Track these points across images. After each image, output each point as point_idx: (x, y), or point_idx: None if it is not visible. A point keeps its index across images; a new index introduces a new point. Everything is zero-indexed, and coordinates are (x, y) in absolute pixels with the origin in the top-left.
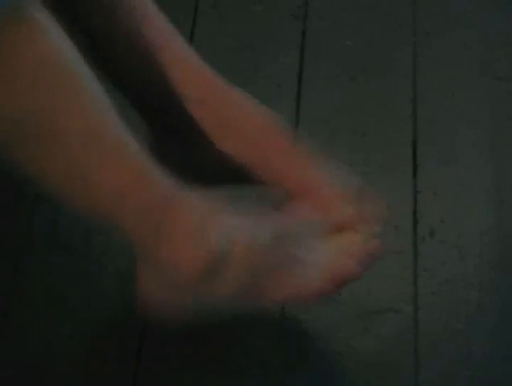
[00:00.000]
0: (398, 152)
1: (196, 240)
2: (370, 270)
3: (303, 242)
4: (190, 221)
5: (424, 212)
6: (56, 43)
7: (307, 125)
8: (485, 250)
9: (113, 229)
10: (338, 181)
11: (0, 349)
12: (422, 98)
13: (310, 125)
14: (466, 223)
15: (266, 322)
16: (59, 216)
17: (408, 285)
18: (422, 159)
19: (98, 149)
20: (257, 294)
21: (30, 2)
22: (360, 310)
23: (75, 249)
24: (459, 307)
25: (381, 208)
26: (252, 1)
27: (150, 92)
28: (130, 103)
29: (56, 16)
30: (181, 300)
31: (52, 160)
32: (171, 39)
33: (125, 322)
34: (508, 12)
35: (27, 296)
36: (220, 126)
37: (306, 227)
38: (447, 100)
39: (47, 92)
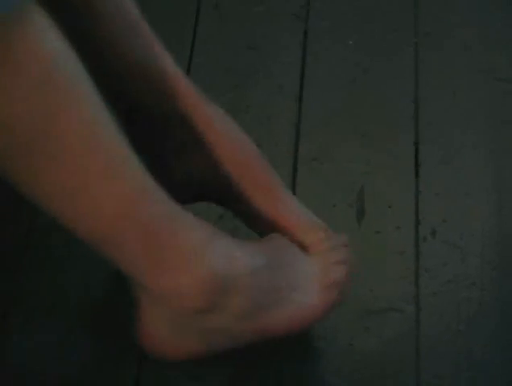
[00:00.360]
0: (399, 152)
1: (196, 265)
2: (372, 270)
3: (293, 266)
4: (189, 245)
5: (426, 212)
6: (61, 46)
7: (308, 126)
8: (487, 250)
9: (109, 259)
10: (308, 219)
11: (0, 350)
12: (423, 98)
13: (311, 126)
14: (467, 224)
15: None
16: None
17: (409, 285)
18: (423, 159)
19: (98, 160)
20: (259, 323)
21: (33, 6)
22: (361, 310)
23: (76, 248)
24: (460, 307)
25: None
26: (254, 1)
27: (132, 105)
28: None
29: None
30: (184, 337)
31: (48, 171)
32: (158, 51)
33: (129, 323)
34: (508, 12)
35: (27, 296)
36: (204, 147)
37: (292, 251)
38: (448, 101)
39: (52, 94)
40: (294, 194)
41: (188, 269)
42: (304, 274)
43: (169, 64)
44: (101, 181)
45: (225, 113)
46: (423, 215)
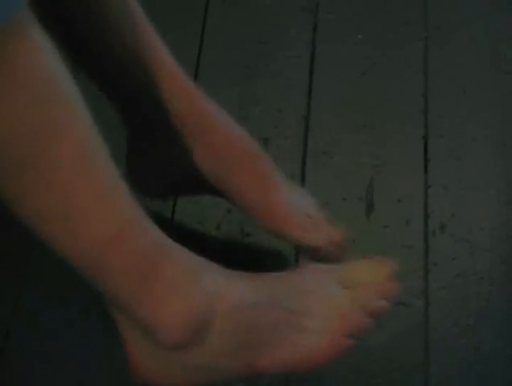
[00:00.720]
0: (409, 146)
1: (179, 297)
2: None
3: (298, 304)
4: (174, 276)
5: (435, 207)
6: (60, 68)
7: (317, 119)
8: (496, 245)
9: (95, 286)
10: (304, 208)
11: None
12: (433, 92)
13: (321, 119)
14: (477, 218)
15: None
16: None
17: (418, 280)
18: (433, 154)
19: (89, 184)
20: (247, 361)
21: (28, 18)
22: None
23: None
24: (469, 302)
25: (343, 240)
26: None
27: (133, 96)
28: (111, 103)
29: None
30: (169, 367)
31: (38, 191)
32: (159, 47)
33: None
34: None
35: (33, 296)
36: (200, 140)
37: (301, 289)
38: (458, 95)
39: (46, 115)
40: (303, 187)
41: (170, 303)
42: (308, 320)
43: (166, 58)
44: (88, 207)
45: (219, 108)
46: (432, 210)
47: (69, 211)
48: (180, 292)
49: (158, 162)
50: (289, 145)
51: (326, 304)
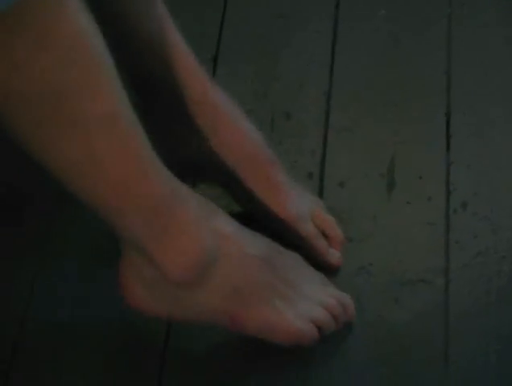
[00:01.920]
0: (431, 123)
1: (191, 237)
2: (402, 241)
3: (292, 277)
4: (188, 219)
5: (457, 184)
6: (87, 24)
7: (339, 95)
8: None
9: (109, 223)
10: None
11: None
12: (456, 70)
13: (343, 95)
14: (499, 196)
15: None
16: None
17: (439, 257)
18: (455, 131)
19: (113, 135)
20: (233, 314)
21: None
22: (390, 282)
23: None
24: (490, 280)
25: (339, 233)
26: None
27: (151, 82)
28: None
29: None
30: (163, 302)
31: (68, 142)
32: (177, 39)
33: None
34: None
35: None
36: (214, 133)
37: (300, 265)
38: (481, 72)
39: (77, 71)
40: (323, 164)
41: (181, 242)
42: (304, 295)
43: (183, 48)
44: (114, 154)
45: (233, 102)
46: (453, 187)
47: (96, 158)
48: (192, 233)
49: (170, 144)
50: (310, 121)
51: (315, 290)
